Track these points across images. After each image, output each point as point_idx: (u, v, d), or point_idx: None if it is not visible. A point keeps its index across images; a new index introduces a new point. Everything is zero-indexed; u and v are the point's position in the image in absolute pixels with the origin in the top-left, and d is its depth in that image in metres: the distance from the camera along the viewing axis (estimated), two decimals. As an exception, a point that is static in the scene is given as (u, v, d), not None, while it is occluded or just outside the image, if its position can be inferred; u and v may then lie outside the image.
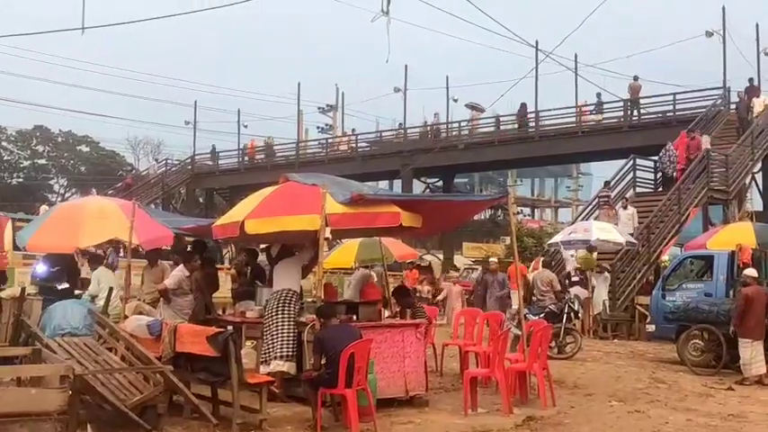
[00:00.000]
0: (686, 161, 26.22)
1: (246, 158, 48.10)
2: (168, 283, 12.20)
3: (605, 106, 35.13)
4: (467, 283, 26.41)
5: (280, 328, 10.60)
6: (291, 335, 10.57)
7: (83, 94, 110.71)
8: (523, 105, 37.57)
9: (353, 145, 44.37)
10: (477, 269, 23.99)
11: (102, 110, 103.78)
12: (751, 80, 30.79)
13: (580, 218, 27.38)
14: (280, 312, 10.67)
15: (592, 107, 35.79)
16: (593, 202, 27.29)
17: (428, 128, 43.06)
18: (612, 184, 27.58)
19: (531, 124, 37.07)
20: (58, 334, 9.91)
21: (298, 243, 11.46)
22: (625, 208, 24.28)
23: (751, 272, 14.78)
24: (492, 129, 39.62)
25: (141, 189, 47.51)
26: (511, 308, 17.48)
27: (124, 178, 54.77)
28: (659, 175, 27.88)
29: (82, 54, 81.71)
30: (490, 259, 21.89)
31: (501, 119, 39.17)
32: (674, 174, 26.29)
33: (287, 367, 10.44)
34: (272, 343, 10.53)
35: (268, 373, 10.21)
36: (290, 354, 10.50)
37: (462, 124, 42.03)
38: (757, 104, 28.67)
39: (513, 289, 18.25)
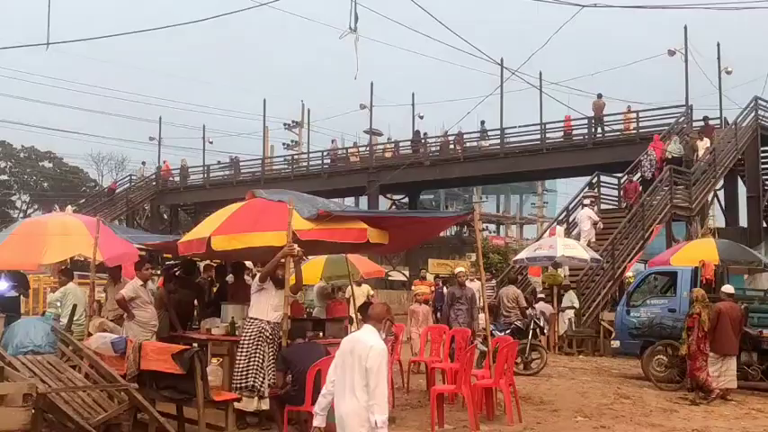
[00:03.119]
0: (661, 162, 26.90)
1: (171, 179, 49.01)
2: (124, 292, 11.94)
3: (574, 122, 35.31)
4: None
5: (261, 361, 10.23)
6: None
7: (46, 110, 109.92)
8: (417, 132, 40.51)
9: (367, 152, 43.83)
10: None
11: (66, 125, 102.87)
12: (705, 118, 30.83)
13: (570, 216, 27.91)
14: (263, 345, 10.25)
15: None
16: (578, 201, 27.79)
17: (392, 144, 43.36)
18: (576, 201, 27.87)
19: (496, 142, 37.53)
20: (20, 352, 9.80)
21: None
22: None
23: (727, 288, 14.92)
24: (389, 155, 41.50)
25: (108, 204, 47.34)
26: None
27: (111, 185, 54.46)
28: (638, 176, 28.14)
29: (45, 69, 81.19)
30: (457, 269, 18.02)
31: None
32: (653, 176, 26.82)
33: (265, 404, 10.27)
34: (255, 375, 10.18)
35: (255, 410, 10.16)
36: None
37: (362, 149, 43.78)
38: (700, 147, 28.53)
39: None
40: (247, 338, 10.28)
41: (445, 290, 22.55)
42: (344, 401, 6.39)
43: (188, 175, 49.00)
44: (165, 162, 50.26)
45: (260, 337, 10.25)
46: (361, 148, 43.98)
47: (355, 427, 6.34)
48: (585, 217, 25.76)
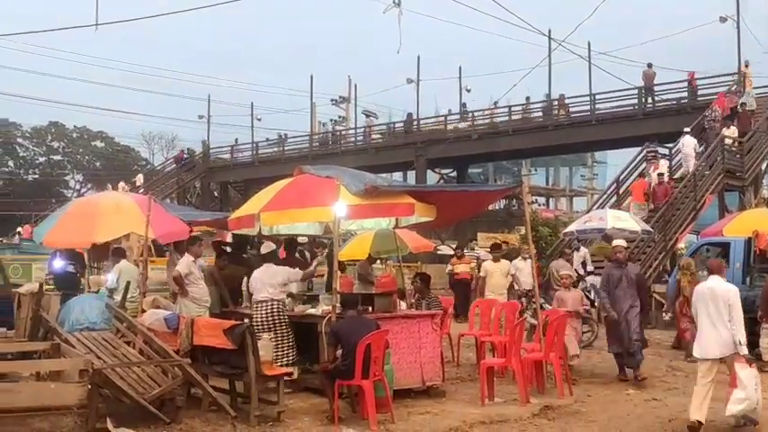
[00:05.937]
0: (725, 118, 26.95)
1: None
2: (180, 268, 12.10)
3: (618, 94, 34.87)
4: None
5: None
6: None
7: (97, 90, 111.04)
8: (409, 115, 41.80)
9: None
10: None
11: (117, 105, 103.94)
12: (743, 105, 28.58)
13: (630, 171, 27.58)
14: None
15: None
16: (641, 157, 27.34)
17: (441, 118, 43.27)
18: (627, 172, 27.51)
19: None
20: (76, 328, 10.00)
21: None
22: (577, 249, 20.79)
23: None
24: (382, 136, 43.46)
25: (158, 183, 47.94)
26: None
27: (177, 154, 55.34)
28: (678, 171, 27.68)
29: (96, 50, 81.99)
30: (615, 242, 13.99)
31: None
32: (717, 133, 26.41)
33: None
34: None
35: None
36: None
37: (359, 131, 45.75)
38: (727, 134, 26.90)
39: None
40: None
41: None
42: (719, 333, 9.13)
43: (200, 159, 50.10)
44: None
45: None
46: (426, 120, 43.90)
47: (730, 348, 9.13)
48: (690, 144, 25.58)
